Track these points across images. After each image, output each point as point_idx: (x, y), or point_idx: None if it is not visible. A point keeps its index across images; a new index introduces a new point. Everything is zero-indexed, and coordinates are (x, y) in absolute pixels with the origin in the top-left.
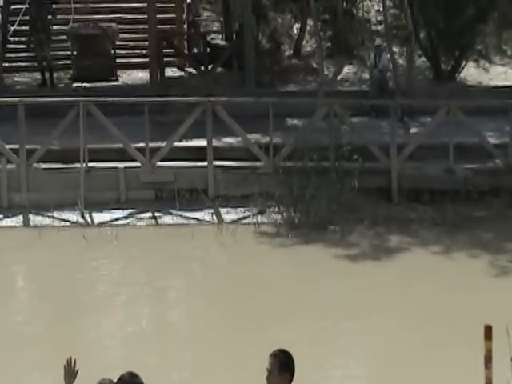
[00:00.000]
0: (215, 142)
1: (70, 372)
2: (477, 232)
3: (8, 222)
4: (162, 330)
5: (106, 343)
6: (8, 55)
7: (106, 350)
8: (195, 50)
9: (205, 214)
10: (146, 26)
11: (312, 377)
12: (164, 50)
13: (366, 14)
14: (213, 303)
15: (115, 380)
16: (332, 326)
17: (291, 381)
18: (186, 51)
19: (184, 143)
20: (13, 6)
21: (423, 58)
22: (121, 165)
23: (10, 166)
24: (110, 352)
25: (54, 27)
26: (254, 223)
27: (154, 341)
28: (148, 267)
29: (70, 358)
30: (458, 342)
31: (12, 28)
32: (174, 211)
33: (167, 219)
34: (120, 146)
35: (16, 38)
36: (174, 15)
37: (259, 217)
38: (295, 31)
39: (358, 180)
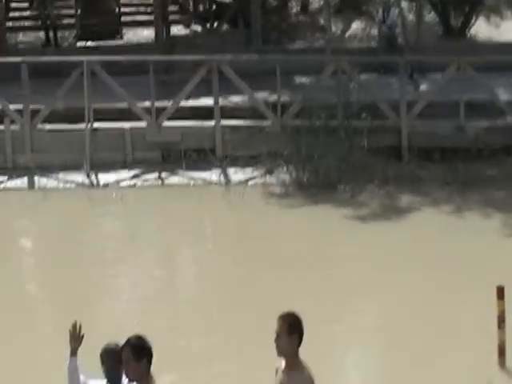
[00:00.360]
0: (222, 101)
1: (76, 336)
2: (488, 191)
3: (13, 183)
4: (170, 291)
5: (113, 305)
6: (11, 14)
7: (113, 312)
8: (201, 8)
9: (212, 175)
10: None
11: (322, 331)
12: (169, 8)
13: None
14: (220, 263)
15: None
16: (342, 282)
17: (300, 343)
18: (191, 9)
19: (190, 102)
20: None
21: (433, 14)
22: (126, 125)
23: (14, 127)
24: (117, 314)
25: None
26: (263, 183)
27: (162, 302)
28: (154, 228)
29: (76, 323)
30: (470, 302)
31: None
32: (180, 172)
33: (174, 180)
34: (125, 105)
35: None
36: None
37: (267, 177)
38: None
39: (368, 139)
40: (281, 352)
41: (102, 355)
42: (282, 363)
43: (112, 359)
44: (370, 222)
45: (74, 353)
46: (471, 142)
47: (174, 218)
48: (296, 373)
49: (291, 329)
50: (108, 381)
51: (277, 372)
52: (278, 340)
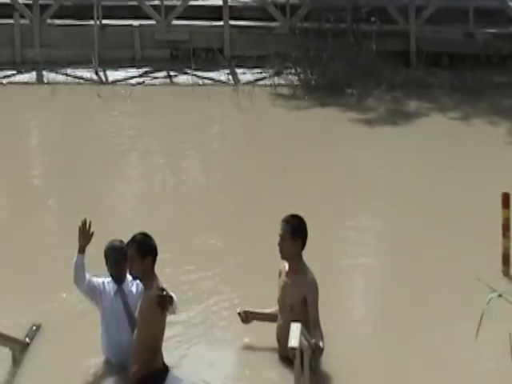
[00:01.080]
0: (231, 1)
1: (85, 234)
2: (496, 98)
3: (21, 77)
4: (177, 189)
5: (120, 201)
6: None
7: (120, 208)
8: None
9: (221, 75)
10: None
11: (324, 240)
12: None
13: None
14: (226, 161)
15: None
16: (346, 182)
17: (304, 246)
18: None
19: (200, 2)
20: None
21: None
22: (135, 22)
23: (23, 21)
24: (122, 210)
25: None
26: (271, 84)
27: (168, 199)
28: (162, 125)
29: (85, 220)
30: (474, 208)
31: None
32: (189, 71)
33: (182, 78)
34: (134, 3)
35: None
36: None
37: (275, 78)
38: None
39: (376, 43)
40: (284, 255)
41: (106, 252)
42: (286, 266)
43: (116, 256)
44: (376, 126)
45: (81, 250)
46: (480, 48)
47: (182, 116)
48: (299, 276)
49: (295, 232)
50: (112, 278)
51: (280, 274)
52: (281, 243)
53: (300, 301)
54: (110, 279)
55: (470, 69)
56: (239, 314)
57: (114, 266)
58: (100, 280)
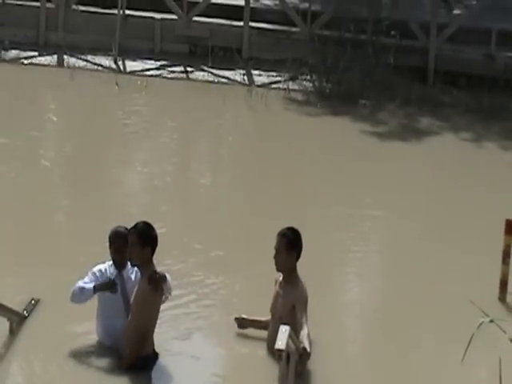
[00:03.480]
0: (253, 3)
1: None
2: (510, 123)
3: (42, 59)
4: (185, 183)
5: (128, 190)
6: None
7: (127, 196)
8: None
9: (236, 74)
10: None
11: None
12: None
13: None
14: (234, 159)
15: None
16: (351, 191)
17: (298, 258)
18: None
19: (222, 0)
20: None
21: None
22: (157, 16)
23: (49, 6)
24: (131, 199)
25: None
26: (285, 89)
27: (175, 192)
28: (174, 118)
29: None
30: (476, 235)
31: None
32: (206, 68)
33: (198, 75)
34: None
35: None
36: None
37: (290, 83)
38: None
39: (394, 57)
40: (280, 268)
41: (110, 237)
42: (280, 277)
43: (120, 241)
44: (387, 139)
45: (96, 291)
46: (500, 71)
47: (195, 112)
48: (291, 286)
49: (290, 245)
50: (113, 262)
51: (276, 283)
52: (277, 256)
53: (289, 310)
54: (111, 263)
55: (487, 91)
56: (236, 318)
57: (116, 251)
58: (100, 268)
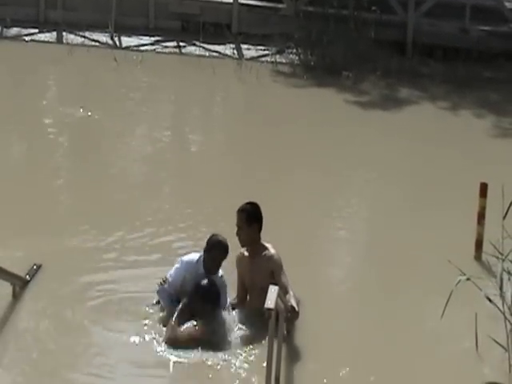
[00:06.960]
0: None
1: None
2: (484, 92)
3: (42, 36)
4: (180, 154)
5: (125, 163)
6: None
7: (126, 169)
8: None
9: (226, 49)
10: None
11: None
12: None
13: None
14: (225, 127)
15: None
16: (336, 157)
17: (260, 228)
18: None
19: None
20: None
21: None
22: None
23: None
24: (130, 171)
25: None
26: (272, 62)
27: (172, 163)
28: (168, 91)
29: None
30: (453, 198)
31: None
32: (197, 43)
33: (191, 49)
34: None
35: None
36: None
37: (277, 56)
38: None
39: (375, 31)
40: (244, 243)
41: (212, 244)
42: (245, 253)
43: (219, 252)
44: (369, 108)
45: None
46: (473, 44)
47: (188, 85)
48: (262, 256)
49: (250, 219)
50: (204, 266)
51: (239, 262)
52: (239, 232)
53: (268, 278)
54: (200, 258)
55: (462, 62)
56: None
57: (213, 259)
58: (192, 259)
